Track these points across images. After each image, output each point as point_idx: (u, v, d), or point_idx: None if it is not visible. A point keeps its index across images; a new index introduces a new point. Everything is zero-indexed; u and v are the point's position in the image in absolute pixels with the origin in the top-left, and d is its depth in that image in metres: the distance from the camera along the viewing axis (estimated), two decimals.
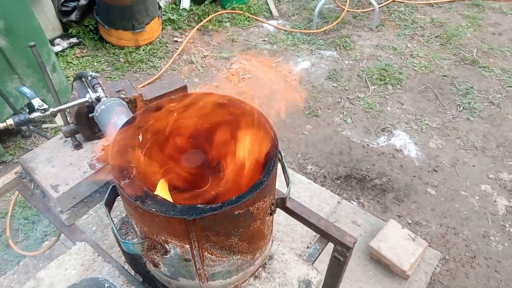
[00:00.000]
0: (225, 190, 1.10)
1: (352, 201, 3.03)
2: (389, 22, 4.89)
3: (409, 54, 4.40)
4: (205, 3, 4.94)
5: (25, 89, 1.41)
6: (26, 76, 3.07)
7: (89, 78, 1.55)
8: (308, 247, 2.75)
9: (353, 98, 3.89)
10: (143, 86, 3.86)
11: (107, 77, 4.04)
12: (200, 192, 1.09)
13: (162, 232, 0.92)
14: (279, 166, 1.11)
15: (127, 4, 3.95)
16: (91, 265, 1.22)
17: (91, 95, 1.49)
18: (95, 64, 4.15)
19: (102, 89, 1.53)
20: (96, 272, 1.20)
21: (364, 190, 3.13)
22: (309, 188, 3.04)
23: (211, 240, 0.93)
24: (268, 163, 0.97)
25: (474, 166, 3.30)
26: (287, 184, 1.11)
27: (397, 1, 5.18)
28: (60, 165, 1.65)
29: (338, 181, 3.19)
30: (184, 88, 1.87)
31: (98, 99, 1.50)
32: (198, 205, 0.87)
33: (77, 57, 4.20)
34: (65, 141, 1.74)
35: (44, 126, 3.46)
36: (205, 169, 1.12)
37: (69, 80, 3.92)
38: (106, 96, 1.51)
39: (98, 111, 1.42)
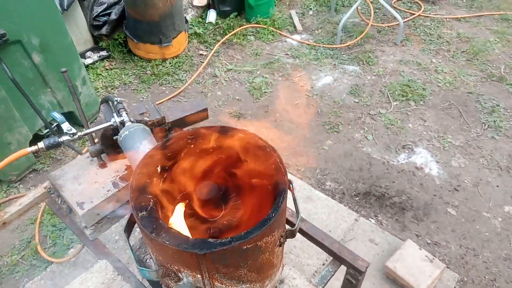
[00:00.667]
0: (237, 220, 1.15)
1: (370, 219, 3.03)
2: (414, 36, 4.86)
3: (433, 69, 4.36)
4: (230, 17, 5.05)
5: (56, 114, 1.52)
6: (58, 90, 3.24)
7: (115, 102, 1.64)
8: (324, 264, 2.77)
9: (374, 114, 3.88)
10: (169, 99, 3.99)
11: (133, 89, 4.19)
12: (214, 221, 1.15)
13: (175, 262, 0.98)
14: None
15: (155, 20, 4.10)
16: (111, 284, 1.30)
17: (115, 119, 1.59)
18: (123, 76, 4.31)
19: (126, 113, 1.63)
20: None
21: (383, 207, 3.12)
22: (327, 204, 3.06)
23: (221, 272, 0.99)
24: (277, 199, 1.02)
25: (497, 186, 3.23)
26: (297, 216, 1.16)
27: (423, 16, 5.14)
28: (86, 183, 1.75)
29: (357, 198, 3.20)
30: (204, 110, 1.95)
31: (122, 123, 1.59)
32: (209, 240, 0.93)
33: (106, 69, 4.38)
34: (91, 160, 1.85)
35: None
36: (219, 198, 1.18)
37: (98, 91, 4.09)
38: (130, 121, 1.60)
39: (122, 136, 1.51)
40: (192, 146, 1.19)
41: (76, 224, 1.80)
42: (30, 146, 3.13)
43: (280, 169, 1.09)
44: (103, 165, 1.82)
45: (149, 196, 1.05)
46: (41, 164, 3.39)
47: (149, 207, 1.01)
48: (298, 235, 2.62)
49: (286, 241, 1.16)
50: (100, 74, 4.30)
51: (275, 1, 5.28)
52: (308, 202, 3.09)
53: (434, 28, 4.95)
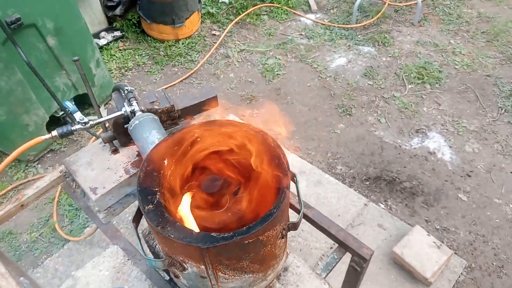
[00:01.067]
0: (242, 212, 1.19)
1: (379, 204, 3.04)
2: (432, 16, 4.72)
3: (451, 51, 4.25)
4: None
5: (68, 104, 1.56)
6: (72, 72, 3.28)
7: (126, 92, 1.67)
8: (331, 248, 2.81)
9: (388, 97, 3.84)
10: (181, 81, 4.00)
11: (147, 71, 4.21)
12: (218, 213, 1.19)
13: (180, 254, 1.03)
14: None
15: (168, 0, 4.07)
16: (122, 268, 1.36)
17: (126, 109, 1.62)
18: (137, 57, 4.33)
19: (137, 102, 1.66)
20: (125, 275, 1.34)
21: (393, 192, 3.12)
22: (337, 189, 3.09)
23: (223, 263, 1.03)
24: (279, 194, 1.04)
25: (511, 172, 3.20)
26: (300, 209, 1.18)
27: None
28: (98, 169, 1.81)
29: (367, 183, 3.21)
30: (214, 98, 1.96)
31: (133, 112, 1.62)
32: (212, 234, 0.97)
33: (120, 50, 4.40)
34: (104, 145, 1.90)
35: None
36: (224, 190, 1.21)
37: (112, 73, 4.13)
38: (141, 110, 1.63)
39: (132, 126, 1.55)
40: (198, 139, 1.21)
41: (90, 208, 1.87)
42: (47, 128, 3.21)
43: (283, 164, 1.11)
44: (115, 151, 1.87)
45: (156, 189, 1.08)
46: (58, 145, 3.48)
47: (156, 201, 1.05)
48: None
49: (287, 234, 1.19)
50: (114, 55, 4.33)
51: None
52: (318, 186, 3.11)
53: (453, 8, 4.79)
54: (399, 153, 3.39)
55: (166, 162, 1.16)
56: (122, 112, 1.62)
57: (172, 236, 0.96)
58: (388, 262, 2.67)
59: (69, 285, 1.33)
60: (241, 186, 1.22)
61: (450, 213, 2.98)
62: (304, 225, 2.84)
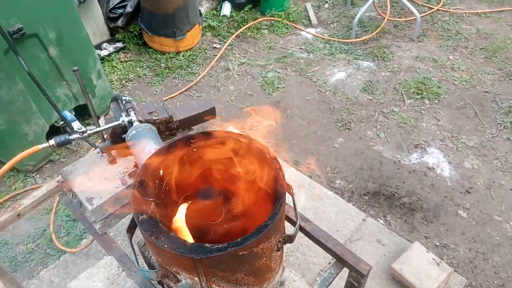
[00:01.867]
0: (236, 224, 1.18)
1: (378, 219, 3.02)
2: (431, 32, 4.76)
3: (450, 67, 4.27)
4: (245, 9, 5.04)
5: (67, 113, 1.56)
6: (73, 83, 3.30)
7: (124, 102, 1.68)
8: (329, 263, 2.78)
9: (387, 112, 3.85)
10: (181, 92, 4.02)
11: (148, 82, 4.23)
12: (213, 224, 1.18)
13: (173, 265, 1.01)
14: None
15: (169, 13, 4.12)
16: (116, 279, 1.34)
17: (124, 119, 1.62)
18: (138, 69, 4.36)
19: (135, 112, 1.66)
20: (119, 286, 1.32)
21: (392, 208, 3.10)
22: (336, 203, 3.07)
23: (217, 275, 1.01)
24: (274, 206, 1.03)
25: (511, 189, 3.18)
26: (295, 222, 1.17)
27: (442, 10, 5.03)
28: (96, 179, 1.80)
29: (366, 197, 3.19)
30: (212, 110, 1.97)
31: (130, 123, 1.62)
32: (206, 245, 0.96)
33: (121, 61, 4.43)
34: (101, 155, 1.90)
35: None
36: (219, 202, 1.21)
37: (113, 84, 4.15)
38: (138, 120, 1.64)
39: (129, 135, 1.54)
40: (194, 150, 1.21)
41: (86, 219, 1.86)
42: (46, 137, 3.20)
43: (279, 176, 1.10)
44: (112, 161, 1.87)
45: (151, 199, 1.08)
46: (57, 155, 3.48)
47: (150, 210, 1.04)
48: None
49: (284, 245, 1.17)
50: (115, 67, 4.35)
51: None
52: (317, 200, 3.09)
53: (452, 24, 4.84)
54: (398, 168, 3.38)
55: (161, 172, 1.16)
56: (120, 122, 1.62)
57: (166, 246, 0.95)
58: (386, 278, 2.64)
59: None
60: (237, 197, 1.21)
61: (450, 230, 2.96)
62: (303, 239, 2.81)
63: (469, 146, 3.50)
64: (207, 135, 1.21)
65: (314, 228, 1.82)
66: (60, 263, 2.74)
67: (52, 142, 1.56)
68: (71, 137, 1.58)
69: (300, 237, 2.83)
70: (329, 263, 2.72)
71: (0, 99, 2.83)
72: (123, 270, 1.38)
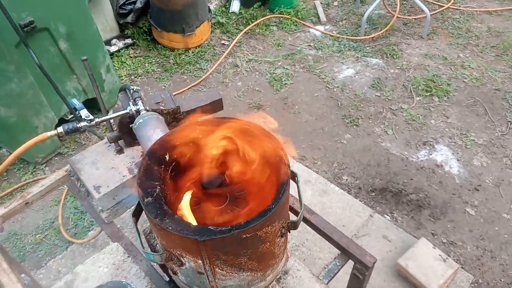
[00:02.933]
0: (241, 209, 1.18)
1: (385, 215, 3.01)
2: (441, 30, 4.72)
3: (460, 64, 4.23)
4: (254, 6, 5.05)
5: (74, 101, 1.58)
6: (83, 77, 3.34)
7: (131, 91, 1.69)
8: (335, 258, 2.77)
9: (396, 109, 3.82)
10: (189, 88, 4.04)
11: (156, 78, 4.26)
12: (218, 210, 1.18)
13: (177, 247, 1.02)
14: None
15: (178, 9, 4.14)
16: (121, 265, 1.36)
17: (131, 108, 1.63)
18: (146, 65, 4.39)
19: (142, 102, 1.67)
20: (125, 272, 1.33)
21: (399, 204, 3.09)
22: (342, 199, 3.06)
23: (221, 258, 1.02)
24: (278, 191, 1.04)
25: None
26: (300, 208, 1.17)
27: (452, 8, 4.98)
28: (103, 168, 1.82)
29: (373, 194, 3.17)
30: (219, 101, 1.98)
31: (138, 112, 1.64)
32: (210, 227, 0.96)
33: (131, 57, 4.46)
34: (109, 145, 1.91)
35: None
36: (224, 187, 1.21)
37: (122, 79, 4.18)
38: (146, 109, 1.65)
39: (137, 124, 1.56)
40: (200, 135, 1.21)
41: (93, 207, 1.88)
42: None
43: (283, 161, 1.11)
44: (120, 151, 1.89)
45: (156, 182, 1.09)
46: (66, 148, 3.52)
47: (155, 193, 1.05)
48: (310, 228, 2.65)
49: (289, 232, 1.18)
50: (125, 62, 4.39)
51: None
52: (323, 195, 3.09)
53: (463, 22, 4.80)
54: (405, 165, 3.36)
55: (167, 156, 1.17)
56: (127, 111, 1.63)
57: (170, 228, 0.96)
58: (392, 274, 2.63)
59: (68, 280, 1.32)
60: (241, 183, 1.22)
61: (457, 227, 2.93)
62: (308, 234, 2.83)
63: (478, 144, 3.46)
64: (212, 120, 1.22)
65: (319, 220, 1.82)
66: (68, 253, 2.78)
67: (60, 129, 1.58)
68: (79, 125, 1.60)
69: (306, 232, 2.84)
70: (335, 258, 2.71)
71: (10, 92, 2.87)
72: (128, 256, 1.39)
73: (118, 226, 1.96)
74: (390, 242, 2.79)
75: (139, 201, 1.16)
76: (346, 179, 3.28)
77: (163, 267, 1.68)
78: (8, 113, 2.95)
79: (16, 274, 1.70)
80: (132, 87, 1.70)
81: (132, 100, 1.68)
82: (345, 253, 1.76)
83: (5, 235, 2.90)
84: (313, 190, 3.12)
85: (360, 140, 3.57)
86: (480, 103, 3.82)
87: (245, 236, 0.97)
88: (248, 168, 1.17)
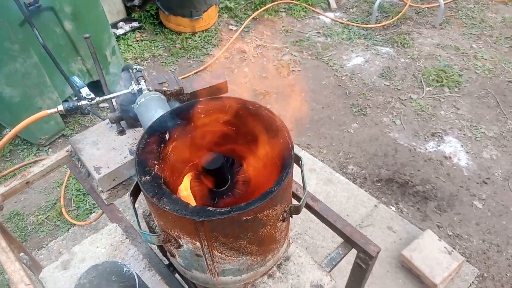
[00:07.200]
0: (242, 192, 1.14)
1: (390, 206, 2.96)
2: (454, 19, 4.60)
3: (472, 55, 4.13)
4: None
5: (76, 79, 1.54)
6: (87, 58, 3.30)
7: (134, 71, 1.65)
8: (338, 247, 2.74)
9: (405, 99, 3.75)
10: (195, 73, 3.99)
11: (162, 62, 4.21)
12: (219, 192, 1.15)
13: (175, 228, 0.99)
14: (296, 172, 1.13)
15: None
16: (119, 246, 1.33)
17: (133, 87, 1.59)
18: (153, 48, 4.34)
19: (145, 81, 1.63)
20: (122, 253, 1.30)
21: (405, 195, 3.03)
22: (347, 188, 3.01)
23: (219, 241, 0.98)
24: (281, 173, 0.99)
25: None
26: (303, 193, 1.13)
27: None
28: (104, 149, 1.79)
29: (379, 184, 3.12)
30: (224, 84, 1.93)
31: (140, 91, 1.60)
32: (208, 208, 0.92)
33: (137, 41, 4.41)
34: (111, 126, 1.88)
35: (101, 105, 3.70)
36: (226, 170, 1.17)
37: (127, 62, 4.14)
38: (148, 89, 1.61)
39: (138, 103, 1.52)
40: (203, 115, 1.17)
41: (93, 188, 1.85)
42: (60, 112, 3.23)
43: (288, 144, 1.06)
44: (121, 132, 1.85)
45: (155, 161, 1.05)
46: (70, 130, 3.50)
47: (153, 172, 1.01)
48: (313, 216, 2.61)
49: (291, 216, 1.14)
50: (131, 45, 4.34)
51: None
52: (328, 184, 3.05)
53: (477, 11, 4.67)
54: (413, 156, 3.30)
55: (167, 135, 1.13)
56: (129, 90, 1.59)
57: (167, 208, 0.92)
58: (396, 265, 2.59)
59: (65, 259, 1.30)
60: (244, 165, 1.18)
61: (464, 220, 2.88)
62: (312, 223, 2.79)
63: (489, 136, 3.39)
64: (215, 100, 1.17)
65: (323, 207, 1.78)
66: (69, 235, 2.77)
67: (60, 107, 1.55)
68: (79, 103, 1.56)
69: (309, 220, 2.81)
70: (338, 246, 2.67)
71: (15, 71, 2.84)
72: (127, 238, 1.36)
73: (120, 209, 1.94)
74: (395, 233, 2.75)
75: (137, 181, 1.12)
76: (352, 169, 3.23)
77: (162, 250, 1.66)
78: (12, 93, 2.93)
79: (16, 253, 1.69)
80: (135, 66, 1.66)
81: (134, 79, 1.63)
82: (349, 242, 1.72)
83: (7, 215, 2.90)
84: (318, 178, 3.07)
85: (368, 129, 3.51)
86: (492, 95, 3.73)
87: (245, 218, 0.93)
88: (251, 149, 1.13)
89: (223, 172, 1.14)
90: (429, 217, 2.89)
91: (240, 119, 1.15)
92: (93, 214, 2.89)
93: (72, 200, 3.01)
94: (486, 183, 3.08)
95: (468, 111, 3.61)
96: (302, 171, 1.15)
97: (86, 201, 3.00)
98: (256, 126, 1.13)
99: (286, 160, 1.03)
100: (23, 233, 2.82)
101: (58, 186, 3.09)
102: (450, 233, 2.80)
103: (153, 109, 1.47)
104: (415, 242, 2.53)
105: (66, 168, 3.14)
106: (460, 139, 3.39)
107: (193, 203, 1.11)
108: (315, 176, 3.09)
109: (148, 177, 1.00)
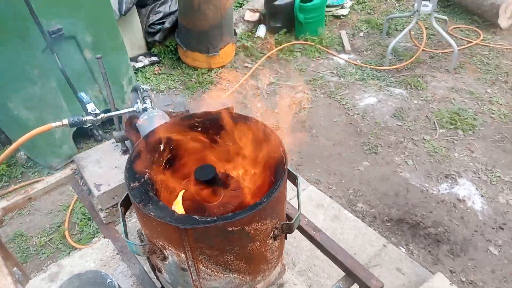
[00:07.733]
0: (234, 206, 1.11)
1: (400, 247, 2.84)
2: (469, 65, 4.62)
3: (487, 100, 4.10)
4: (280, 33, 5.11)
5: (82, 95, 1.58)
6: (104, 87, 3.39)
7: (141, 90, 1.69)
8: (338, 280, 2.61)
9: (417, 140, 3.70)
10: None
11: (177, 94, 4.31)
12: (210, 205, 1.12)
13: (160, 237, 0.96)
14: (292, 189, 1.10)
15: (205, 30, 4.23)
16: (109, 262, 1.30)
17: (139, 106, 1.62)
18: (169, 82, 4.46)
19: (151, 101, 1.66)
20: (111, 269, 1.27)
21: (416, 237, 2.92)
22: (355, 226, 2.92)
23: (205, 253, 0.95)
24: (272, 186, 0.97)
25: None
26: (298, 210, 1.09)
27: (481, 45, 4.89)
28: (106, 167, 1.80)
29: (389, 224, 3.02)
30: (230, 109, 1.95)
31: (145, 110, 1.62)
32: (194, 216, 0.90)
33: (155, 74, 4.55)
34: (116, 145, 1.90)
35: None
36: (219, 184, 1.15)
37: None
38: (153, 108, 1.63)
39: (141, 120, 1.53)
40: (199, 129, 1.17)
41: (93, 206, 1.84)
42: (73, 137, 3.28)
43: (282, 159, 1.04)
44: (125, 152, 1.86)
45: (146, 170, 1.04)
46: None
47: (143, 180, 1.00)
48: (319, 253, 2.52)
49: (283, 235, 1.10)
50: (149, 78, 4.47)
51: (325, 21, 5.28)
52: (335, 221, 2.96)
53: (492, 58, 4.68)
54: (425, 197, 3.20)
55: (162, 146, 1.13)
56: (134, 108, 1.62)
57: (152, 214, 0.90)
58: None
59: (53, 272, 1.27)
60: (237, 179, 1.15)
61: (478, 266, 2.73)
62: (317, 259, 2.69)
63: (505, 181, 3.28)
64: (210, 114, 1.17)
65: (324, 238, 1.72)
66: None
67: (65, 121, 1.58)
68: (84, 119, 1.59)
69: (314, 257, 2.71)
70: (338, 280, 2.55)
71: (33, 95, 2.94)
72: (117, 253, 1.33)
73: (116, 227, 1.92)
74: (404, 275, 2.62)
75: (128, 193, 1.11)
76: (361, 207, 3.15)
77: (155, 271, 1.61)
78: (29, 115, 3.01)
79: (9, 267, 1.66)
80: (142, 86, 1.70)
81: (140, 98, 1.67)
82: (350, 275, 1.65)
83: (12, 235, 2.90)
84: (325, 214, 2.99)
85: (379, 168, 3.45)
86: (507, 139, 3.65)
87: (231, 228, 0.90)
88: (245, 162, 1.11)
89: (216, 184, 1.12)
90: (441, 261, 2.75)
91: (235, 132, 1.14)
92: (95, 239, 2.86)
93: (77, 224, 3.00)
94: (502, 229, 2.94)
95: (483, 154, 3.52)
96: (297, 189, 1.13)
97: (90, 225, 2.98)
98: (251, 140, 1.12)
99: (279, 175, 1.01)
100: (24, 254, 2.80)
101: (64, 209, 3.10)
102: (463, 279, 2.65)
103: (155, 125, 1.48)
104: (425, 285, 2.40)
105: (73, 192, 3.17)
106: (475, 182, 3.29)
107: (181, 211, 1.09)
108: (322, 212, 3.01)
109: (137, 184, 0.99)
